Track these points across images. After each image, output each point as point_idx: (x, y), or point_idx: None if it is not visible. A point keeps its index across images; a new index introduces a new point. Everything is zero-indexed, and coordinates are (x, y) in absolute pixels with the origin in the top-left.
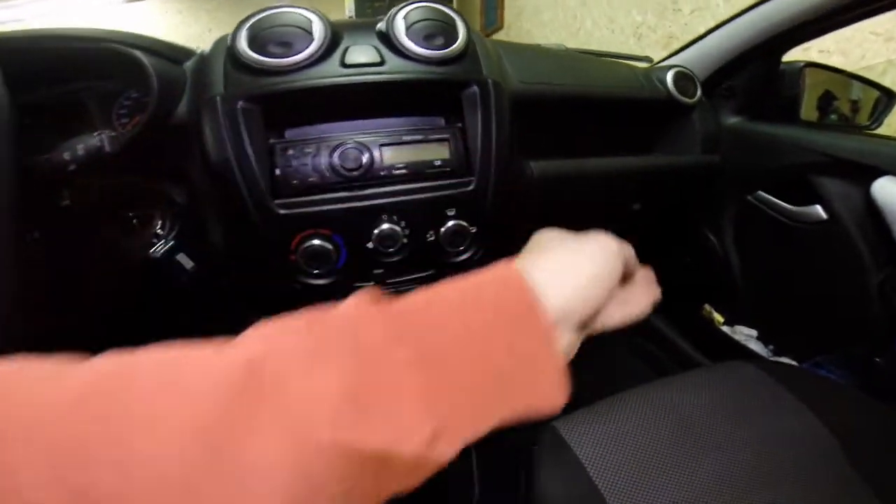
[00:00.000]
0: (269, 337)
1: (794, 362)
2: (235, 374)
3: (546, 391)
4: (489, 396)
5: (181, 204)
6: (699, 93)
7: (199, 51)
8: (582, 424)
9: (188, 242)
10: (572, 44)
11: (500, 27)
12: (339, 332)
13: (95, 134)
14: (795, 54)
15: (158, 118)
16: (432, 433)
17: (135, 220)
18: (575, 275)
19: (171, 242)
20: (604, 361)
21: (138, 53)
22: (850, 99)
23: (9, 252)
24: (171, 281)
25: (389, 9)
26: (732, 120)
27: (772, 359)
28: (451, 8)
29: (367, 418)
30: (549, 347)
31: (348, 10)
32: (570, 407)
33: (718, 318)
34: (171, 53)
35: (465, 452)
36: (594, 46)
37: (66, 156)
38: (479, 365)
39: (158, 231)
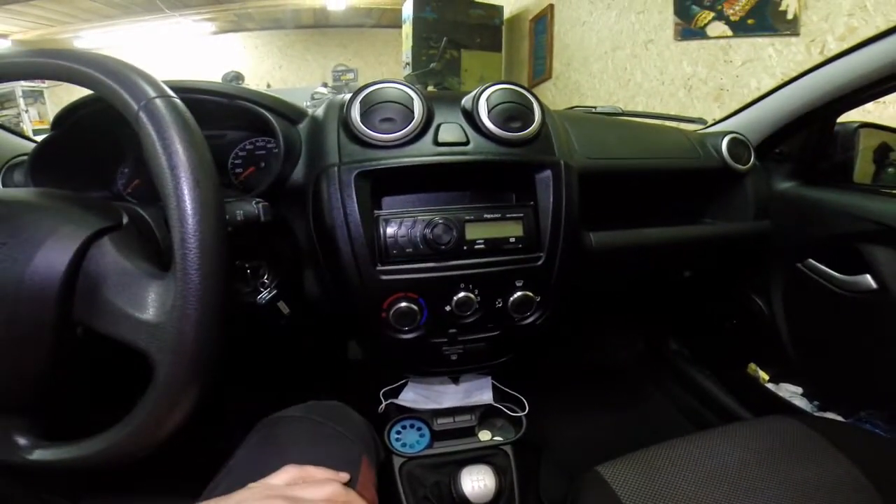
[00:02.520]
0: None
1: (839, 418)
2: None
3: None
4: None
5: (285, 256)
6: (753, 159)
7: (310, 112)
8: (623, 468)
9: (287, 291)
10: (622, 95)
11: (549, 77)
12: None
13: (254, 202)
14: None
15: (283, 177)
16: None
17: (248, 270)
18: None
19: (274, 291)
20: (646, 415)
21: (266, 113)
22: None
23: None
24: (271, 324)
25: (443, 55)
26: (785, 185)
27: (816, 413)
28: (527, 89)
29: None
30: None
31: (405, 55)
32: (613, 454)
33: (763, 375)
34: (290, 114)
35: (510, 498)
36: (643, 98)
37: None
38: None
39: (265, 280)
